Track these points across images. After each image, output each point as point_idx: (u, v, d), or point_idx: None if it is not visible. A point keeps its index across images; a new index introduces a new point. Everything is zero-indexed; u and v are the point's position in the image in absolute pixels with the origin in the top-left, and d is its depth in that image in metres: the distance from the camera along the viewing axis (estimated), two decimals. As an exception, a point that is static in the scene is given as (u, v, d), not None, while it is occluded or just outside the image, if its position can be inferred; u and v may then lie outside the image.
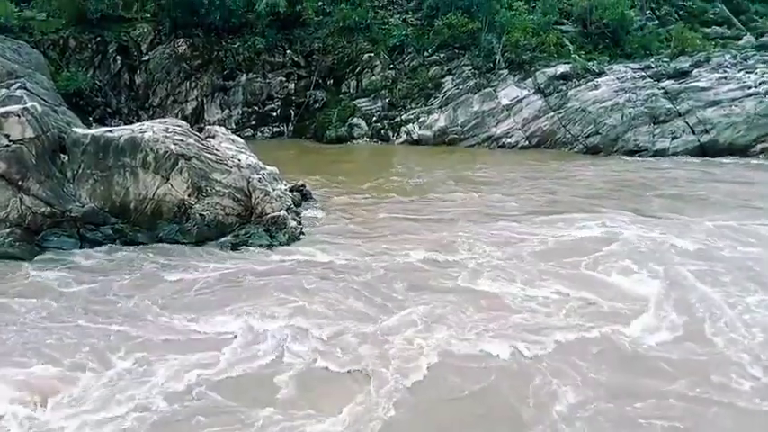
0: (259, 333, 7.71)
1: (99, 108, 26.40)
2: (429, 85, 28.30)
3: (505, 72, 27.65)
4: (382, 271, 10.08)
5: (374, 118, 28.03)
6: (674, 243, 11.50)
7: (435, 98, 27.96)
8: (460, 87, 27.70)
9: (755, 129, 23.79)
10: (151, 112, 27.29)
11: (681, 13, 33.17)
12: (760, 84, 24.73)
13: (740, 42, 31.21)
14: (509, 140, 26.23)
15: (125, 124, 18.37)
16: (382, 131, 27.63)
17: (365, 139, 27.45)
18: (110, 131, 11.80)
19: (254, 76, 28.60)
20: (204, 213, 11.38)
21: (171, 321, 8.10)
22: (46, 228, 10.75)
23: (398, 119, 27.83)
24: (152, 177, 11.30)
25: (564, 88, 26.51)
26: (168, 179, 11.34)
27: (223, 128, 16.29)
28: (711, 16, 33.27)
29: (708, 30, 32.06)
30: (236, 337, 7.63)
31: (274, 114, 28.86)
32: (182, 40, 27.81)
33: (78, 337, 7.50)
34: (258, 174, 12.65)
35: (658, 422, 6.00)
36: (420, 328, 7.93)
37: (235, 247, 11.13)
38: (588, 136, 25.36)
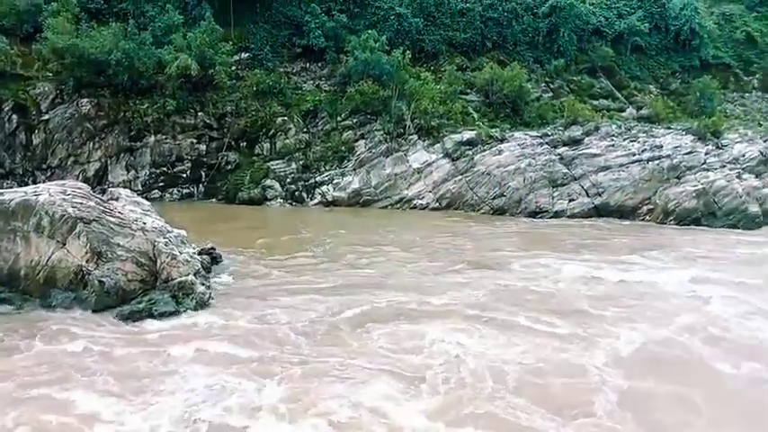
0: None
1: (-10, 168, 24.72)
2: (342, 148, 28.93)
3: (415, 137, 28.84)
4: (300, 335, 9.97)
5: (288, 180, 28.07)
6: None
7: (349, 161, 28.55)
8: (373, 151, 28.51)
9: (641, 192, 26.06)
10: (49, 173, 25.87)
11: (571, 86, 36.36)
12: (642, 151, 27.30)
13: (623, 114, 34.57)
14: (420, 202, 27.06)
15: (19, 186, 17.29)
16: (296, 193, 27.66)
17: (279, 200, 27.32)
18: (0, 194, 11.05)
19: (164, 137, 27.97)
20: (104, 279, 10.74)
21: None
22: None
23: (313, 181, 28.04)
24: (46, 242, 10.62)
25: (470, 153, 27.97)
26: (65, 244, 10.69)
27: (128, 190, 15.69)
28: (598, 90, 36.74)
29: (595, 102, 35.30)
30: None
31: (184, 176, 28.17)
32: (86, 99, 26.88)
33: None
34: (165, 237, 12.19)
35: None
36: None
37: (134, 315, 10.47)
38: (494, 198, 26.69)
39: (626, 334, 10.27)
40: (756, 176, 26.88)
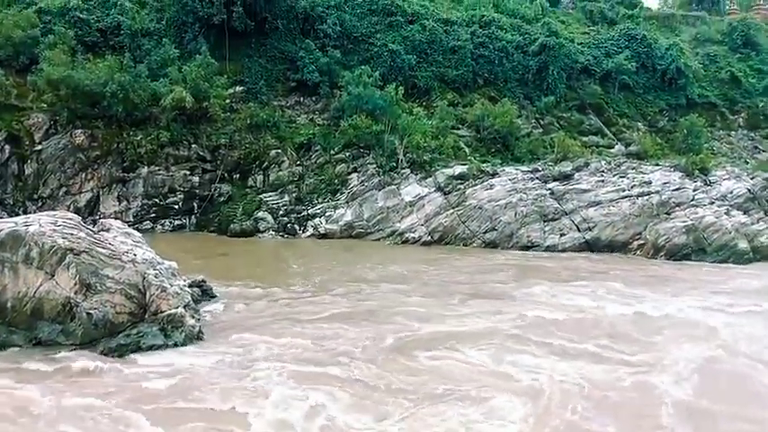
0: None
1: (-21, 198, 24.57)
2: (335, 181, 29.07)
3: (408, 171, 29.05)
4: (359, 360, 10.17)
5: (281, 212, 28.09)
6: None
7: (342, 194, 28.65)
8: (366, 184, 28.65)
9: (631, 227, 26.22)
10: (40, 204, 25.73)
11: (561, 123, 36.94)
12: (632, 187, 27.59)
13: (612, 150, 35.09)
14: (413, 235, 27.07)
15: (9, 216, 17.18)
16: (289, 225, 27.63)
17: (271, 232, 27.26)
18: (-11, 224, 10.98)
19: (157, 168, 27.98)
20: (92, 312, 10.61)
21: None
22: None
23: (305, 213, 28.07)
24: (35, 273, 10.50)
25: (462, 187, 28.14)
26: (53, 275, 10.57)
27: (119, 221, 15.63)
28: (587, 127, 37.36)
29: (585, 138, 35.83)
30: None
31: (176, 207, 28.10)
32: (80, 130, 26.92)
33: None
34: (155, 269, 12.10)
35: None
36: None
37: (121, 348, 10.29)
38: (486, 232, 26.76)
39: (679, 355, 11.00)
40: (744, 213, 27.19)
